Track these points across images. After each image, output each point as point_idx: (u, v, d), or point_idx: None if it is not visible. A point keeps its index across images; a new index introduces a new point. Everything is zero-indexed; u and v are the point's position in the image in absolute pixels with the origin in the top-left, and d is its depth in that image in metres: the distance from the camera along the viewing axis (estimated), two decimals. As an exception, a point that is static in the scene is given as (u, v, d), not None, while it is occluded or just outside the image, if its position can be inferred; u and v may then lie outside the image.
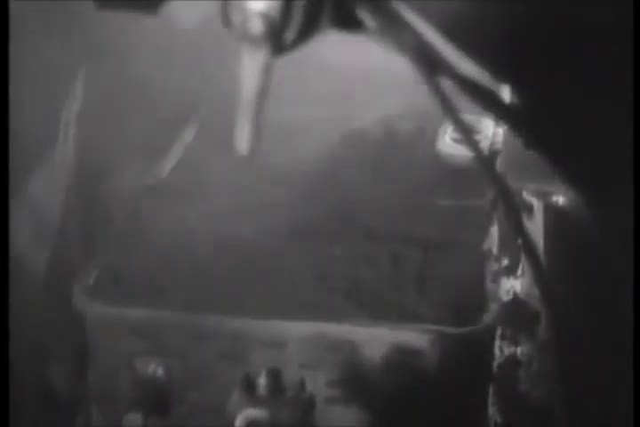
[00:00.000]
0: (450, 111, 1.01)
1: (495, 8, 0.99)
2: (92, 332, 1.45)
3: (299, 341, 1.39)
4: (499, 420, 1.31)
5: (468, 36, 1.04)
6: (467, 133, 1.09)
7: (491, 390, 1.31)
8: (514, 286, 1.44)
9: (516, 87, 1.05)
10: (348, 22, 0.99)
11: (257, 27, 0.85)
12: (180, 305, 1.42)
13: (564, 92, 1.01)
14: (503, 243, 1.52)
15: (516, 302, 1.48)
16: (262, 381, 1.29)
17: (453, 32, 1.03)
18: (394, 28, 0.97)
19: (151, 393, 1.42)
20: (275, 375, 1.31)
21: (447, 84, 1.00)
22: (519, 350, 1.37)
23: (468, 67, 1.06)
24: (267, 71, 0.88)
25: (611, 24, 0.94)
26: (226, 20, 0.86)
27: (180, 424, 1.45)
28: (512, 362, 1.35)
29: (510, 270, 1.48)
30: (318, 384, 1.38)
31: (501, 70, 1.08)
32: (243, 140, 0.90)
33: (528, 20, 0.97)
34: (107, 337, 1.44)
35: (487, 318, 1.39)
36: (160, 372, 1.44)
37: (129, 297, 1.45)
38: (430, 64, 0.99)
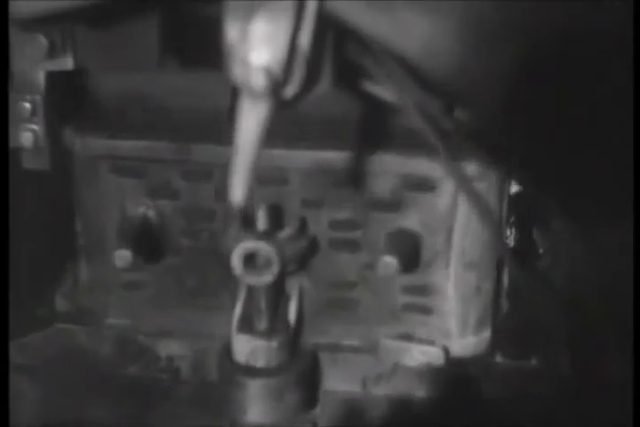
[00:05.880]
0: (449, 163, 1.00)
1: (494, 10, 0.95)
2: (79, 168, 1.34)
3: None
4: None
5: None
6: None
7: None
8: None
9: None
10: (349, 75, 1.05)
11: (259, 81, 0.84)
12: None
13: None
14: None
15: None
16: (261, 215, 1.21)
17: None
18: (395, 82, 0.98)
19: (141, 234, 1.33)
20: (275, 211, 1.22)
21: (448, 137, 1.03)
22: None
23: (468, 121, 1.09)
24: (265, 123, 0.89)
25: (610, 24, 0.93)
26: (228, 72, 0.86)
27: (174, 274, 1.36)
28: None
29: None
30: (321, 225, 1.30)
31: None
32: (237, 189, 0.90)
33: (526, 23, 0.93)
34: (95, 174, 1.33)
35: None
36: (151, 213, 1.34)
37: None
38: (432, 116, 1.00)
